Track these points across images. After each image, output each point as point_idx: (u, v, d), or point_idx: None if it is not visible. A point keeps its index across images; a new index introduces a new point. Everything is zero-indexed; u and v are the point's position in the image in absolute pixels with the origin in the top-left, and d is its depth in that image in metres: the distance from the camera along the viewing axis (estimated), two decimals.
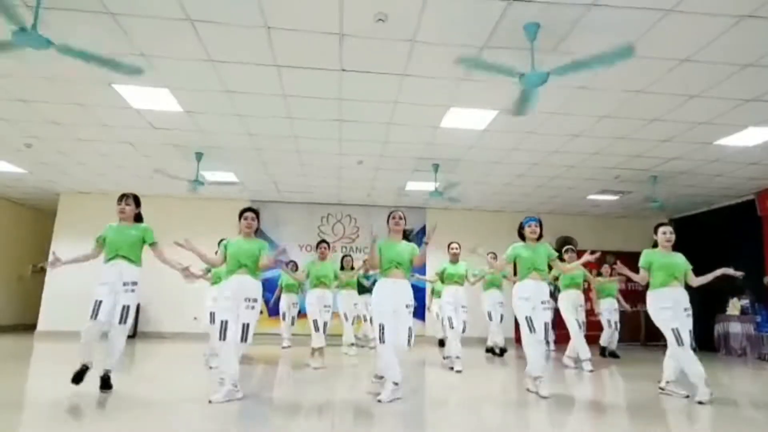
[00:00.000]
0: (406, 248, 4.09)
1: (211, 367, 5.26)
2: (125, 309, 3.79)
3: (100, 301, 3.71)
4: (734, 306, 8.32)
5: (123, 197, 4.06)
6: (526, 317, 4.10)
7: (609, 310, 7.12)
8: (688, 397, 4.03)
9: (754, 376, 5.96)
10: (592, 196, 8.98)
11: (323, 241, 6.02)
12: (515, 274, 4.80)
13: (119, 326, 3.79)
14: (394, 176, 8.03)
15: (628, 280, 4.94)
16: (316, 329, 5.55)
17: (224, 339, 3.61)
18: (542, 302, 4.14)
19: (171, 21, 3.74)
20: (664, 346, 4.22)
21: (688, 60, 4.14)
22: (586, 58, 3.51)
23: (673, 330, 4.02)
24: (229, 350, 3.62)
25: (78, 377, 3.67)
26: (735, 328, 8.14)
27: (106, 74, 4.53)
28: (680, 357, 4.07)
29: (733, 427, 3.27)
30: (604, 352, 7.28)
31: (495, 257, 6.90)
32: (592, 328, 7.93)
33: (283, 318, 7.82)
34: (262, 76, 4.61)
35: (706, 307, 8.84)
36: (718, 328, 8.45)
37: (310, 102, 5.21)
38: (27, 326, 9.89)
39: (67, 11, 3.59)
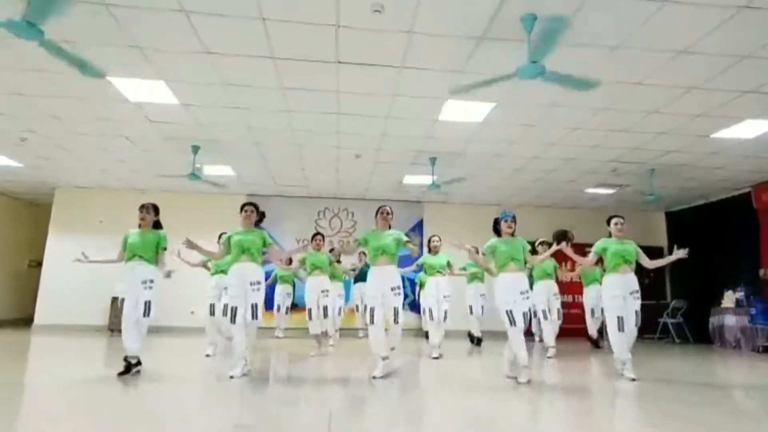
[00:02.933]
0: (391, 236, 4.53)
1: (207, 355, 5.53)
2: (147, 304, 4.26)
3: (123, 299, 4.31)
4: (729, 298, 8.36)
5: (143, 208, 4.53)
6: (507, 311, 4.28)
7: (595, 298, 7.07)
8: (634, 380, 4.35)
9: (748, 367, 6.01)
10: (589, 190, 8.98)
11: (318, 233, 6.33)
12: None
13: (143, 319, 4.25)
14: (392, 170, 8.01)
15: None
16: (310, 317, 5.90)
17: (235, 322, 4.23)
18: (521, 293, 4.32)
19: (165, 12, 3.70)
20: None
21: (685, 52, 4.13)
22: (557, 76, 3.54)
23: (618, 318, 4.52)
24: (240, 331, 4.23)
25: (126, 370, 4.17)
26: (730, 320, 8.18)
27: (103, 66, 4.50)
28: (616, 340, 4.54)
29: (729, 418, 3.31)
30: (597, 343, 7.34)
31: (477, 251, 7.05)
32: (578, 320, 8.01)
33: (278, 309, 7.93)
34: (259, 68, 4.58)
35: (701, 299, 8.91)
36: (713, 321, 8.49)
37: (307, 95, 5.18)
38: (24, 320, 9.87)
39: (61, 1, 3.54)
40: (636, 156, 6.97)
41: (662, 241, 10.61)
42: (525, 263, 4.56)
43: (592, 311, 7.24)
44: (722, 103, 5.11)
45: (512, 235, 4.53)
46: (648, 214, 10.69)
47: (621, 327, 4.49)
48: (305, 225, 9.93)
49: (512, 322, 4.25)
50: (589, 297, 7.23)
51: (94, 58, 4.22)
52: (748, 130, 5.81)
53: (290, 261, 8.09)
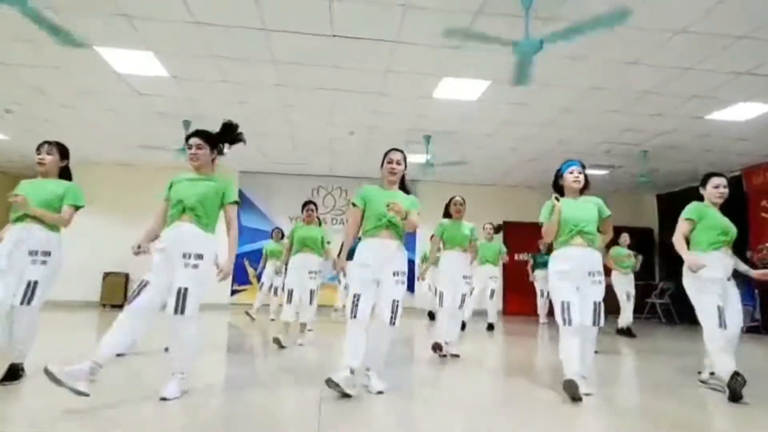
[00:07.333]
0: (405, 201, 3.09)
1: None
2: (30, 285, 2.87)
3: None
4: None
5: (43, 145, 3.19)
6: (562, 302, 3.03)
7: (626, 283, 6.50)
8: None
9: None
10: None
11: (310, 201, 5.23)
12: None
13: (22, 308, 2.85)
14: (386, 148, 7.88)
15: None
16: (289, 301, 4.78)
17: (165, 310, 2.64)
18: (590, 273, 3.09)
19: None
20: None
21: (683, 31, 4.09)
22: (578, 24, 3.44)
23: (718, 307, 3.17)
24: (173, 327, 2.66)
25: (11, 376, 2.90)
26: None
27: (88, 35, 4.38)
28: (716, 345, 3.20)
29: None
30: (629, 331, 6.53)
31: (493, 228, 6.80)
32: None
33: (260, 285, 7.28)
34: (250, 40, 4.47)
35: None
36: None
37: (300, 69, 5.08)
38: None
39: None
40: (629, 137, 6.96)
41: (653, 223, 10.71)
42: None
43: (627, 294, 6.51)
44: (717, 84, 5.09)
45: (582, 191, 3.26)
46: (639, 196, 10.76)
47: (723, 323, 3.15)
48: (298, 203, 9.77)
49: (566, 320, 3.00)
50: (620, 282, 6.49)
51: (80, 26, 4.12)
52: (741, 112, 5.80)
53: (282, 235, 7.40)
